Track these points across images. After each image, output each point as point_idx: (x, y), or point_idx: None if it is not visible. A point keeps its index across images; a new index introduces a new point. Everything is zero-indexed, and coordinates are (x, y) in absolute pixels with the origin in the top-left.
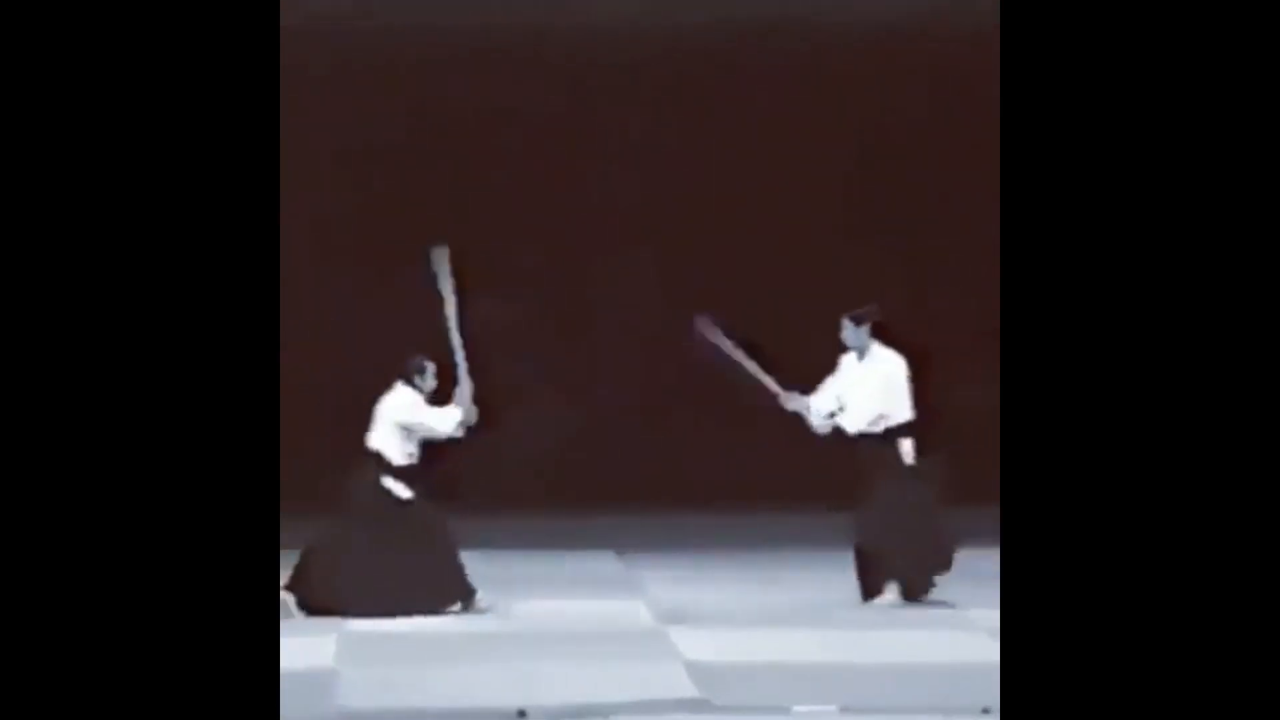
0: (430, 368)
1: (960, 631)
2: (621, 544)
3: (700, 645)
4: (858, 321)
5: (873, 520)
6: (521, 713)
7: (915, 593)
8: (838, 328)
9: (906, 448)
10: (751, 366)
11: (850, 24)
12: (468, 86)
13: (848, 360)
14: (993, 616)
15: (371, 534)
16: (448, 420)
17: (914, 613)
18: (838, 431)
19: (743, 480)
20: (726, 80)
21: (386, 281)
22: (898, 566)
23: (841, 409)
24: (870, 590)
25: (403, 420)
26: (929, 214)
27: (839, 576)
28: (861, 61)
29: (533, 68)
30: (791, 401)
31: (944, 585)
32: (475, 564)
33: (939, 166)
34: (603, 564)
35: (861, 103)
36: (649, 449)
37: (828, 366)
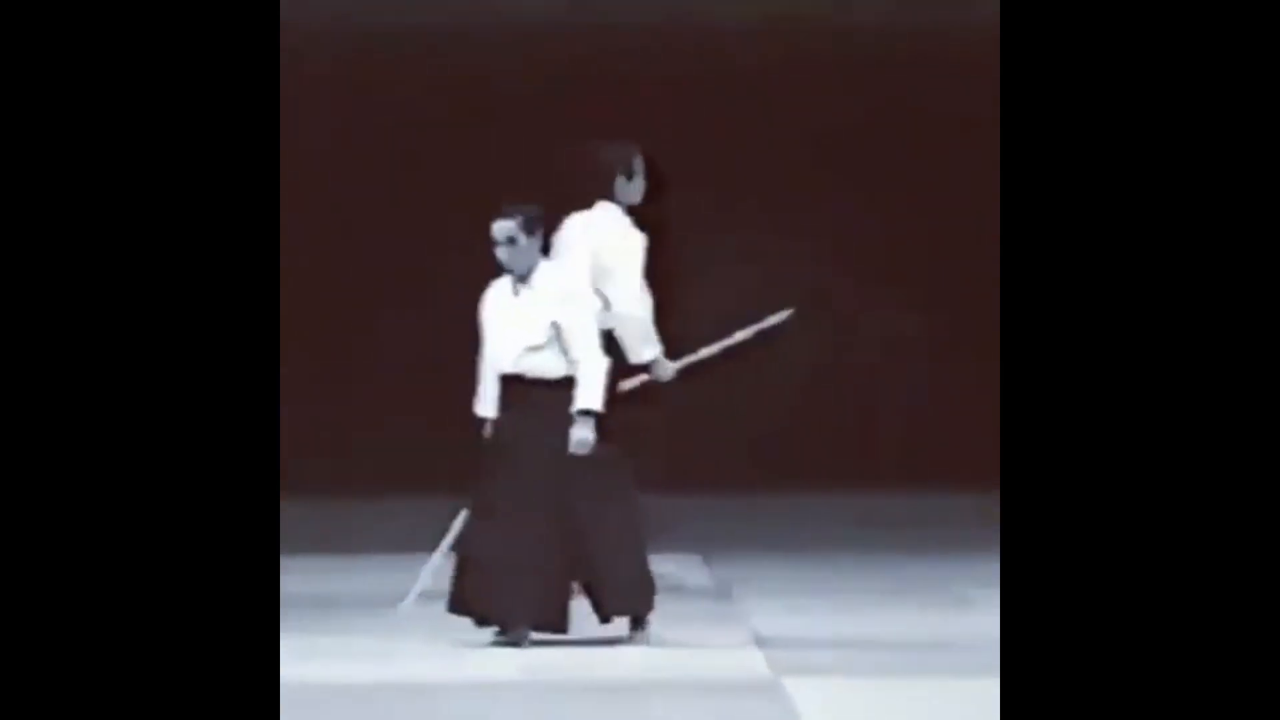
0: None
1: None
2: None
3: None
4: None
5: None
6: None
7: None
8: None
9: None
10: (722, 343)
11: (851, 23)
12: (466, 84)
13: None
14: None
15: None
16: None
17: None
18: None
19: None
20: (726, 79)
21: (387, 281)
22: None
23: None
24: None
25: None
26: (929, 209)
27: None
28: (862, 60)
29: (532, 65)
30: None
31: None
32: None
33: (939, 163)
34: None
35: (862, 101)
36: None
37: (827, 363)
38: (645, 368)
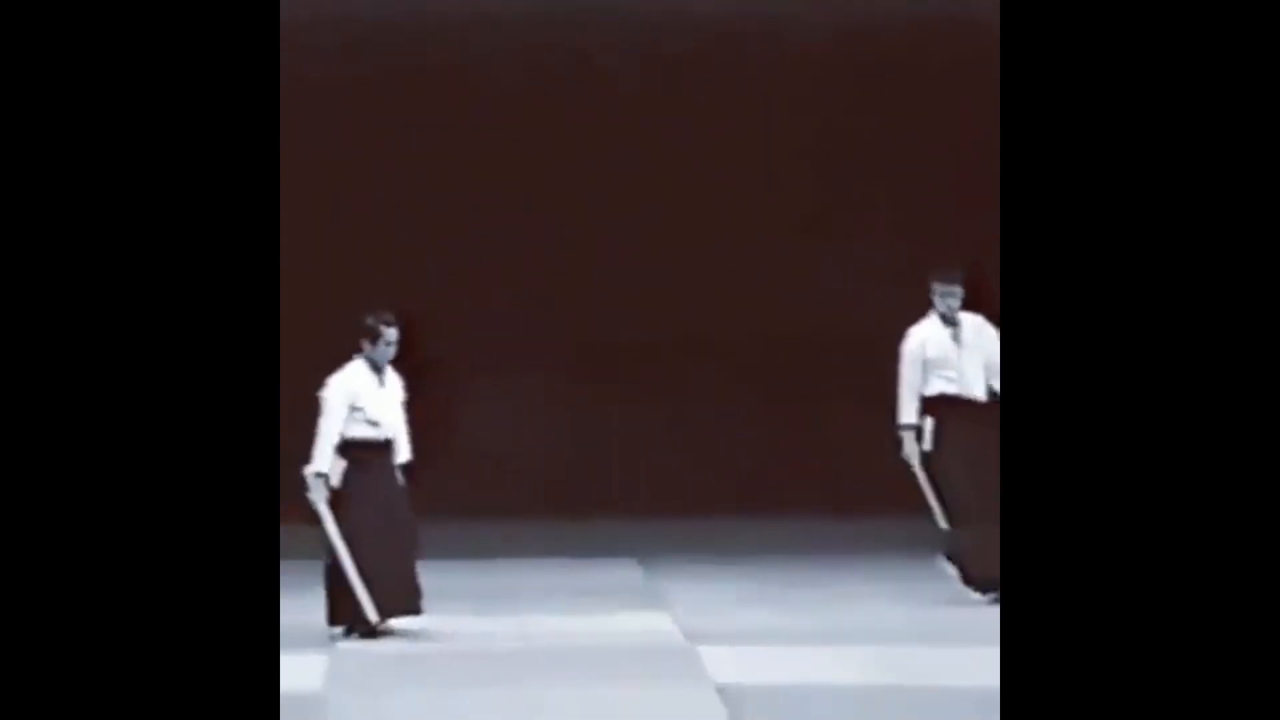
0: (385, 333)
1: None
2: (643, 551)
3: (732, 666)
4: (949, 283)
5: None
6: None
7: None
8: (822, 331)
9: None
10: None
11: (850, 23)
12: (466, 80)
13: (928, 330)
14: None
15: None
16: (317, 457)
17: (961, 625)
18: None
19: (771, 485)
20: (725, 79)
21: (387, 280)
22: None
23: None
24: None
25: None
26: (929, 209)
27: (880, 586)
28: (862, 59)
29: (534, 63)
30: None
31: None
32: (480, 575)
33: (939, 163)
34: (625, 573)
35: (862, 100)
36: (667, 451)
37: (827, 360)
38: None
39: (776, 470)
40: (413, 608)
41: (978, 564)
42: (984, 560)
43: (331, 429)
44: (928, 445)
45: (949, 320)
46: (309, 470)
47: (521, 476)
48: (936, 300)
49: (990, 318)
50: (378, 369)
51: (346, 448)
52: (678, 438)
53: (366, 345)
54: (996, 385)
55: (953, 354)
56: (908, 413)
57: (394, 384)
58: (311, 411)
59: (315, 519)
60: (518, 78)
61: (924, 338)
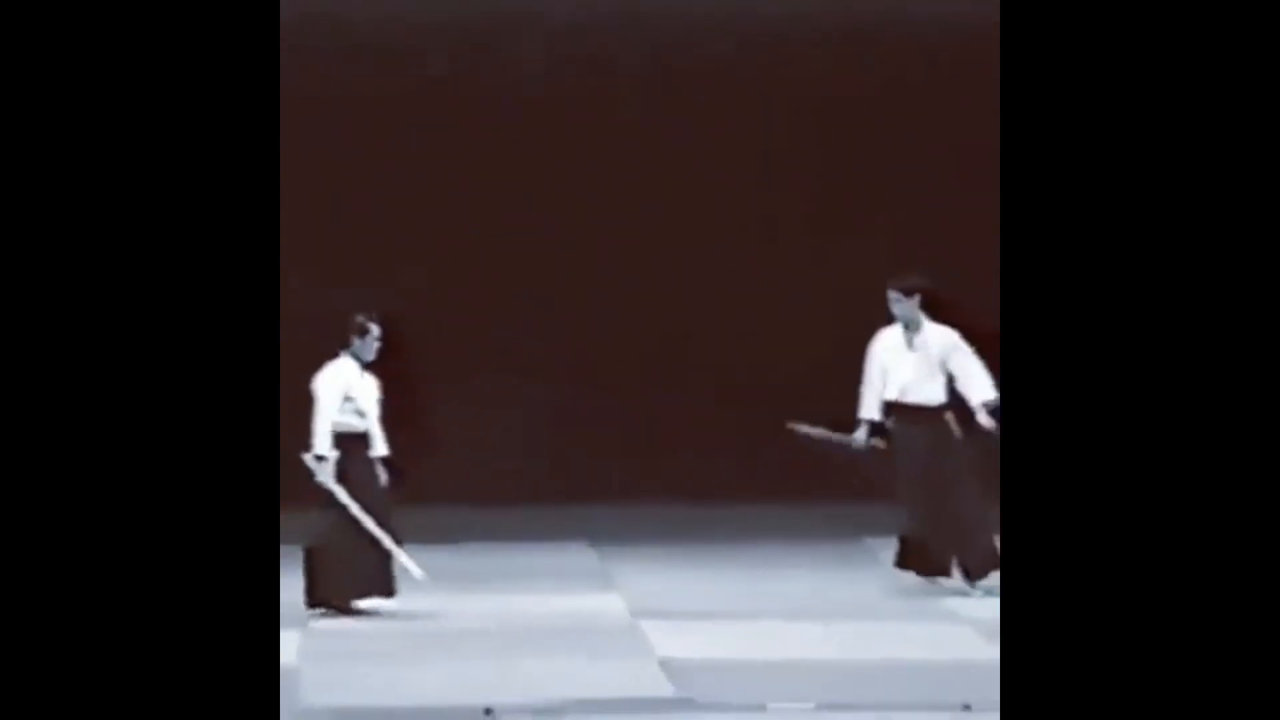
0: (373, 330)
1: (943, 625)
2: (595, 535)
3: (675, 641)
4: (908, 292)
5: (941, 492)
6: (488, 711)
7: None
8: (819, 324)
9: (954, 422)
10: (838, 437)
11: (851, 22)
12: (465, 79)
13: (889, 338)
14: (975, 609)
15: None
16: (317, 443)
17: (895, 605)
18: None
19: (721, 471)
20: (725, 78)
21: (387, 278)
22: (971, 547)
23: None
24: (931, 567)
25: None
26: (929, 208)
27: (816, 569)
28: (862, 58)
29: (532, 61)
30: (858, 441)
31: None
32: (444, 558)
33: (939, 160)
34: (577, 556)
35: (862, 100)
36: (621, 438)
37: (826, 358)
38: None
39: (732, 459)
40: (387, 590)
41: (917, 554)
42: (927, 549)
43: (329, 416)
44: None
45: (907, 326)
46: (312, 455)
47: (482, 465)
48: (891, 305)
49: (990, 318)
50: (362, 364)
51: (336, 438)
52: (634, 428)
53: (355, 340)
54: (972, 394)
55: (900, 359)
56: (864, 408)
57: (371, 380)
58: (307, 406)
59: (299, 505)
60: (517, 77)
61: (885, 341)
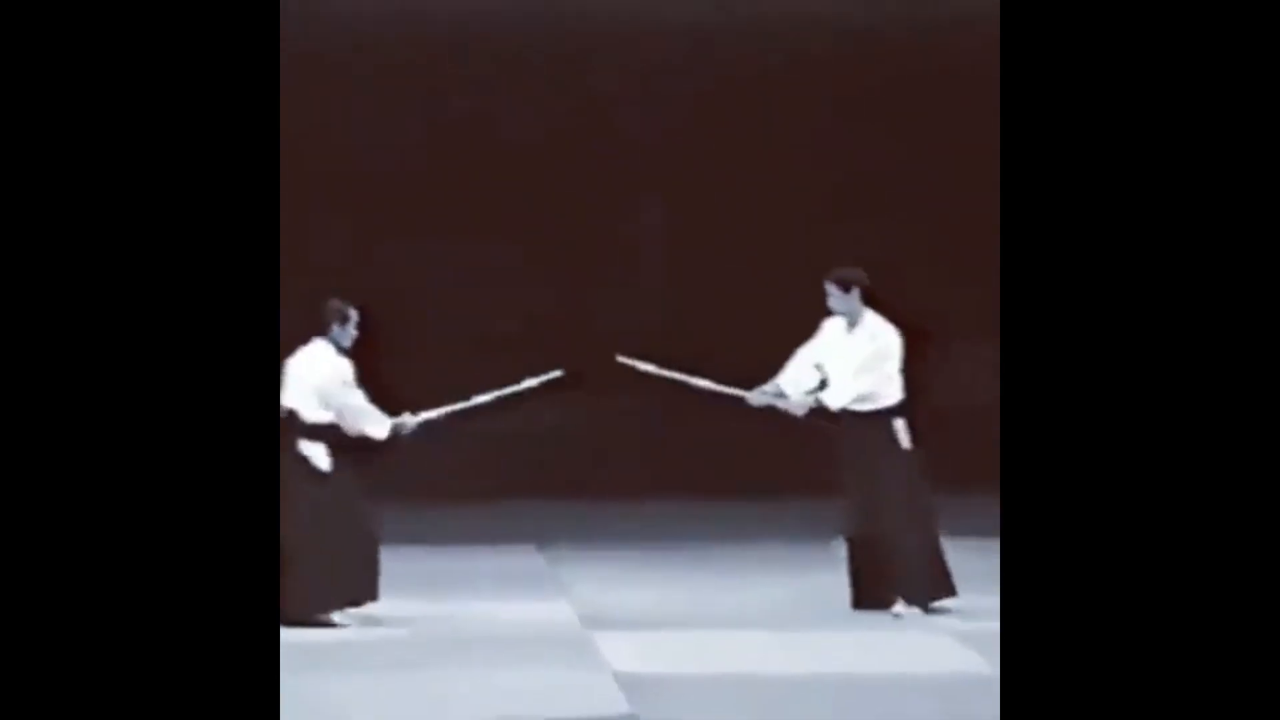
0: (353, 317)
1: (920, 634)
2: (543, 538)
3: (629, 653)
4: (844, 286)
5: (872, 511)
6: None
7: (920, 600)
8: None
9: (901, 430)
10: (701, 383)
11: (851, 22)
12: (465, 77)
13: (832, 327)
14: (954, 620)
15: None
16: (374, 421)
17: (858, 613)
18: (815, 412)
19: (676, 470)
20: (724, 77)
21: (387, 277)
22: (905, 569)
23: (824, 383)
24: (868, 598)
25: (325, 393)
26: (929, 202)
27: (774, 574)
28: (862, 57)
29: (533, 59)
30: (759, 398)
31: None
32: (385, 562)
33: (939, 158)
34: (524, 560)
35: (861, 99)
36: (575, 437)
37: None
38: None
39: (686, 455)
40: (370, 594)
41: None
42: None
43: (352, 397)
44: None
45: (849, 321)
46: (386, 428)
47: (431, 463)
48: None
49: (990, 317)
50: (339, 350)
51: (326, 430)
52: (593, 426)
53: (335, 327)
54: (832, 390)
55: (831, 351)
56: (782, 375)
57: (348, 366)
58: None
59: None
60: (518, 77)
61: (827, 335)
